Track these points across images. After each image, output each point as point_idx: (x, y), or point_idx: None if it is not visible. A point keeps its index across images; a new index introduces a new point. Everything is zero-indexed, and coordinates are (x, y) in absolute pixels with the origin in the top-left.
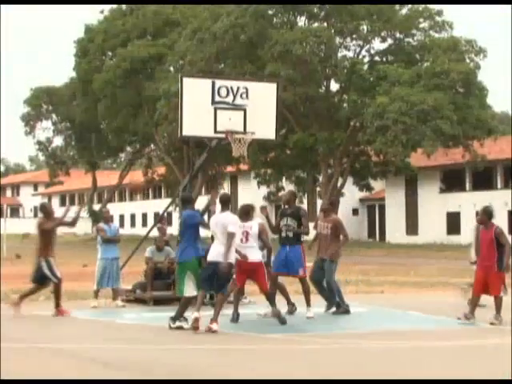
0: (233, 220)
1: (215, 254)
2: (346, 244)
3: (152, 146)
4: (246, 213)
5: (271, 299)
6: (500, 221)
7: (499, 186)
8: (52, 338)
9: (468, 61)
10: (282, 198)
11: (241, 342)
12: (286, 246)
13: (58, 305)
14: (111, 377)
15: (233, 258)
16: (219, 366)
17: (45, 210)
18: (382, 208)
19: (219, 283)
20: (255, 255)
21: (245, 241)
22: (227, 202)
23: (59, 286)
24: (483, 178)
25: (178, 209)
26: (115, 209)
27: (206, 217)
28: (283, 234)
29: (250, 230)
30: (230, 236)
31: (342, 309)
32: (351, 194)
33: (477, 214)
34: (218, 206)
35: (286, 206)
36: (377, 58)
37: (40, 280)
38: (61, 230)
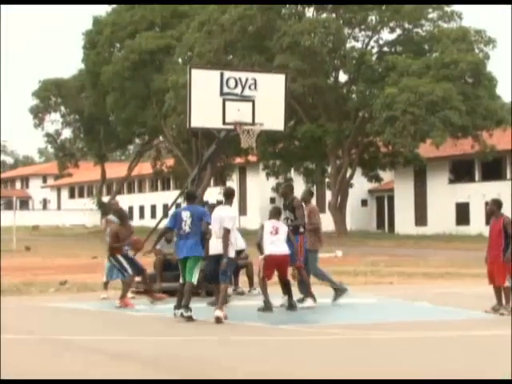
0: (229, 215)
1: (216, 247)
2: (330, 234)
3: (160, 137)
4: (278, 213)
5: (289, 289)
6: (508, 211)
7: (508, 176)
8: (62, 330)
9: (477, 51)
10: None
11: (250, 333)
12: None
13: (123, 296)
14: (120, 368)
15: (232, 252)
16: (229, 357)
17: (120, 215)
18: (391, 199)
19: (223, 274)
20: (284, 247)
21: (274, 233)
22: (230, 196)
23: (131, 281)
24: (492, 169)
25: None
26: (124, 201)
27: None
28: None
29: (279, 226)
30: (226, 232)
31: (313, 299)
32: (360, 185)
33: (486, 204)
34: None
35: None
36: (385, 49)
37: (137, 271)
38: (70, 222)
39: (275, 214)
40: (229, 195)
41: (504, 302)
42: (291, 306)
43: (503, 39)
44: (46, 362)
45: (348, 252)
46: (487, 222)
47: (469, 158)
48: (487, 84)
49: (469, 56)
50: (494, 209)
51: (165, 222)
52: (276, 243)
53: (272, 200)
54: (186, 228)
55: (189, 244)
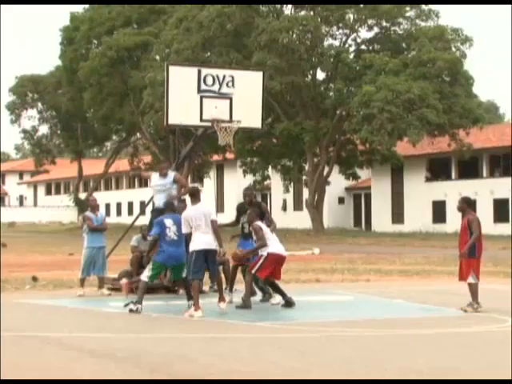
0: (212, 209)
1: (206, 242)
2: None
3: (138, 134)
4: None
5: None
6: (485, 209)
7: (485, 174)
8: (38, 327)
9: (454, 49)
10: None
11: (228, 331)
12: (249, 239)
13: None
14: (97, 365)
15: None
16: (207, 356)
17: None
18: (368, 197)
19: (213, 269)
20: (283, 249)
21: (271, 233)
22: (196, 195)
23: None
24: (469, 167)
25: None
26: (101, 197)
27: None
28: (245, 230)
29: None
30: (216, 223)
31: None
32: (337, 183)
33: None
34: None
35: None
36: (363, 47)
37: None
38: (46, 219)
39: (257, 215)
40: (194, 194)
41: (471, 298)
42: (289, 302)
43: (479, 38)
44: (22, 359)
45: (325, 249)
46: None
47: (445, 157)
48: (464, 82)
49: (446, 54)
50: (463, 207)
51: (142, 220)
52: (279, 243)
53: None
54: (172, 235)
55: (181, 251)
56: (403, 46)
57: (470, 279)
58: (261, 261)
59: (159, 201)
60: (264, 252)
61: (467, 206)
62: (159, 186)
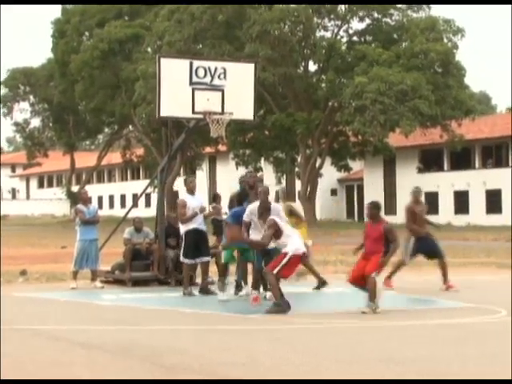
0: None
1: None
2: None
3: (130, 127)
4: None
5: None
6: (478, 200)
7: (477, 165)
8: (31, 320)
9: (446, 41)
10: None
11: (222, 323)
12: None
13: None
14: (88, 357)
15: None
16: (200, 347)
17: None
18: (361, 188)
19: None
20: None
21: None
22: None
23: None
24: (461, 158)
25: (156, 190)
26: (93, 190)
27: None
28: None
29: None
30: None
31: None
32: (330, 175)
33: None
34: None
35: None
36: (355, 38)
37: None
38: (39, 212)
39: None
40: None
41: (369, 298)
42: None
43: (471, 29)
44: (15, 351)
45: (318, 241)
46: (456, 212)
47: (438, 148)
48: (456, 73)
49: (438, 45)
50: (375, 213)
51: (135, 212)
52: (299, 240)
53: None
54: None
55: None
56: (395, 38)
57: (374, 274)
58: (284, 261)
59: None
60: (288, 250)
61: (378, 211)
62: None
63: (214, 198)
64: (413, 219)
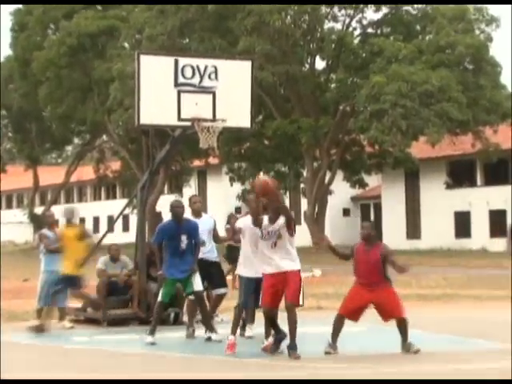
0: None
1: None
2: None
3: (104, 136)
4: None
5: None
6: None
7: None
8: None
9: (478, 32)
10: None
11: (213, 369)
12: None
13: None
14: None
15: None
16: None
17: None
18: (378, 207)
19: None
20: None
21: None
22: None
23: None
24: (497, 171)
25: (135, 211)
26: (60, 212)
27: None
28: None
29: None
30: None
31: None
32: (341, 192)
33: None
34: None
35: None
36: (370, 30)
37: None
38: None
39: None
40: None
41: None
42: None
43: (507, 18)
44: None
45: (328, 270)
46: (492, 235)
47: (469, 159)
48: (490, 71)
49: (468, 38)
50: (372, 233)
51: (111, 238)
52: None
53: (237, 210)
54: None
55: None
56: (418, 29)
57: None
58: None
59: None
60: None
61: (375, 232)
62: None
63: (229, 219)
64: None
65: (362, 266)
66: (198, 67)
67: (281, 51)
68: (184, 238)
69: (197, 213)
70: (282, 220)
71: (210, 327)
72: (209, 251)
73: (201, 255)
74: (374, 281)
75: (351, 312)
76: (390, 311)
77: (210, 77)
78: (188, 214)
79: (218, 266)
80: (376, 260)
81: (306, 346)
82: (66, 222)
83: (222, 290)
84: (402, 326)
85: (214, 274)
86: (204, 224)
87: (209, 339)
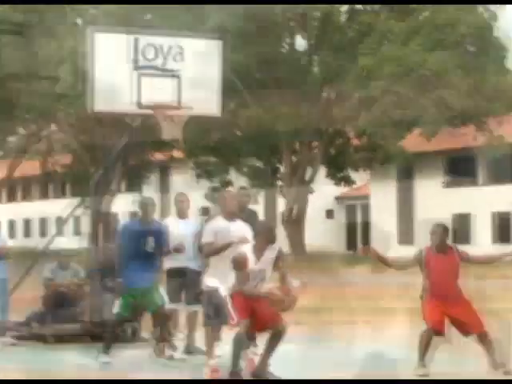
0: None
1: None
2: None
3: (52, 126)
4: None
5: None
6: None
7: None
8: None
9: (481, 9)
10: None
11: None
12: None
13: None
14: None
15: None
16: None
17: None
18: (366, 209)
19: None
20: None
21: None
22: None
23: None
24: (502, 168)
25: (88, 211)
26: (2, 212)
27: None
28: None
29: None
30: None
31: None
32: (324, 191)
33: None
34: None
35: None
36: (359, 7)
37: None
38: None
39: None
40: None
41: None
42: None
43: None
44: None
45: (307, 281)
46: (495, 240)
47: (470, 154)
48: (494, 54)
49: (470, 16)
50: (444, 238)
51: (60, 242)
52: None
53: (204, 210)
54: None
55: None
56: (413, 6)
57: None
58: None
59: None
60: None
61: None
62: None
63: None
64: None
65: (436, 276)
66: (161, 47)
67: (256, 29)
68: (151, 240)
69: (182, 213)
70: (270, 254)
71: (169, 344)
72: (189, 259)
73: (179, 263)
74: (451, 293)
75: (438, 323)
76: (471, 326)
77: (174, 58)
78: (173, 213)
79: (196, 277)
80: (453, 269)
81: (281, 369)
82: None
83: (194, 308)
84: (486, 341)
85: (189, 287)
86: (188, 226)
87: (171, 357)
